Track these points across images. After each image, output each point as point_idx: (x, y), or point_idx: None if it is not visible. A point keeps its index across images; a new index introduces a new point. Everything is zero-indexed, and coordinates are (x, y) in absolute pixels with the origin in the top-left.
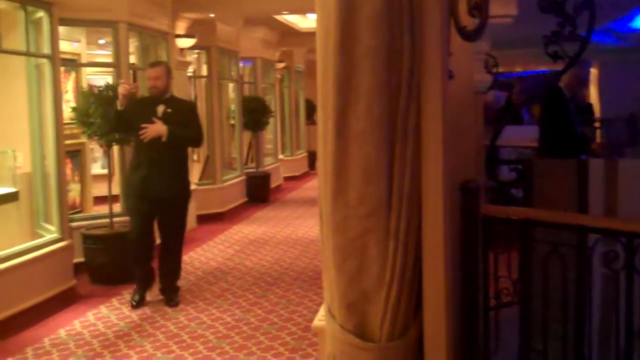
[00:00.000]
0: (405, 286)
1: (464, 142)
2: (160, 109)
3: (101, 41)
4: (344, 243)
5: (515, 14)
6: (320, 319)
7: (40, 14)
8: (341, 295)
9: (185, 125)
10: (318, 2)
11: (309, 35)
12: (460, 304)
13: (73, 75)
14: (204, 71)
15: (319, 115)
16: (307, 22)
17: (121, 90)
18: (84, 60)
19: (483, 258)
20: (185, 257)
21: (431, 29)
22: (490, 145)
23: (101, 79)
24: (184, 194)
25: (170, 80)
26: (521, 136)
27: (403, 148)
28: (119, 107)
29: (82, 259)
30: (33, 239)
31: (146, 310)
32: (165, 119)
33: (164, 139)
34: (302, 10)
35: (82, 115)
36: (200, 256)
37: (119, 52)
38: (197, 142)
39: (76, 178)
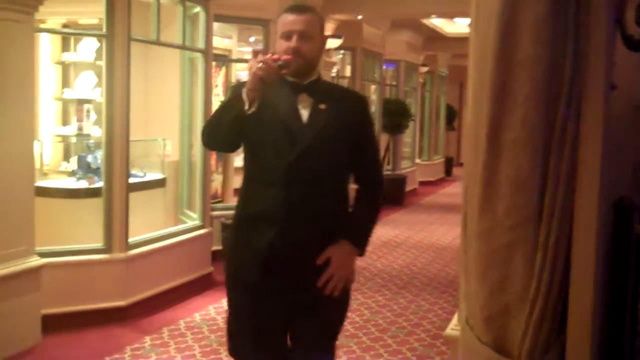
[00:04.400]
0: (549, 304)
1: (621, 158)
2: (305, 100)
3: (251, 39)
4: (488, 252)
5: None
6: (453, 328)
7: (197, 9)
8: (481, 307)
9: (350, 142)
10: (477, 5)
11: (455, 40)
12: (606, 328)
13: (223, 70)
14: (348, 72)
15: (471, 121)
16: (453, 26)
17: (257, 67)
18: (234, 56)
19: (634, 282)
20: None
21: (596, 38)
22: None
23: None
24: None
25: (324, 47)
26: None
27: (558, 161)
28: (245, 107)
29: (219, 247)
30: (176, 225)
31: None
32: (314, 122)
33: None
34: (450, 14)
35: None
36: None
37: (269, 49)
38: (382, 192)
39: (219, 169)
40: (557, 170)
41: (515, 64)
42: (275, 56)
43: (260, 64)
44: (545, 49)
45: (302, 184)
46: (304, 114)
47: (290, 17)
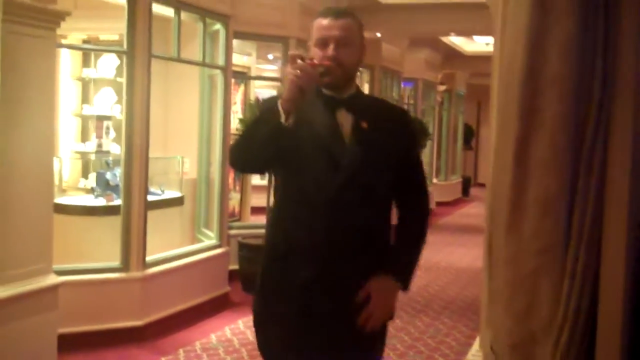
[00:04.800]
0: (577, 330)
1: None
2: (344, 117)
3: (270, 56)
4: (515, 279)
5: None
6: (474, 354)
7: (217, 26)
8: (507, 333)
9: (395, 165)
10: (503, 22)
11: (473, 58)
12: (634, 355)
13: (242, 87)
14: (366, 90)
15: (497, 140)
16: (472, 45)
17: (295, 74)
18: (253, 73)
19: None
20: None
21: (626, 57)
22: None
23: (268, 92)
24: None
25: (363, 56)
26: None
27: (586, 182)
28: (282, 119)
29: (236, 267)
30: (193, 243)
31: None
32: (357, 144)
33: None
34: (469, 32)
35: None
36: None
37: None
38: (428, 219)
39: (237, 187)
40: (586, 192)
41: (543, 82)
42: (315, 61)
43: (298, 70)
44: (573, 66)
45: (345, 214)
46: (345, 133)
47: (325, 22)
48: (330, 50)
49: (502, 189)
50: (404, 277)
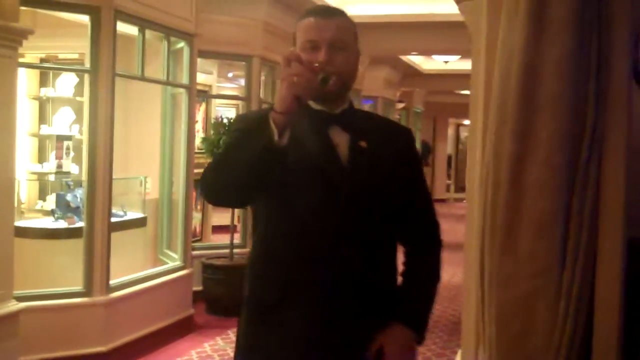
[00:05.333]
0: (573, 353)
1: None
2: (338, 135)
3: (230, 74)
4: (509, 301)
5: None
6: None
7: (181, 44)
8: (501, 356)
9: (400, 189)
10: (489, 41)
11: (431, 77)
12: None
13: (203, 106)
14: None
15: (489, 161)
16: (430, 63)
17: (292, 80)
18: (214, 92)
19: None
20: None
21: (618, 75)
22: None
23: (228, 110)
24: None
25: (358, 63)
26: None
27: (581, 203)
28: (274, 137)
29: (199, 288)
30: (155, 265)
31: None
32: (357, 166)
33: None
34: (430, 51)
35: (212, 146)
36: None
37: (251, 85)
38: (441, 251)
39: (198, 207)
40: (580, 212)
41: (539, 102)
42: (316, 65)
43: (295, 76)
44: (568, 87)
45: (349, 252)
46: (342, 154)
47: (315, 22)
48: (322, 54)
49: (495, 209)
50: (419, 326)
